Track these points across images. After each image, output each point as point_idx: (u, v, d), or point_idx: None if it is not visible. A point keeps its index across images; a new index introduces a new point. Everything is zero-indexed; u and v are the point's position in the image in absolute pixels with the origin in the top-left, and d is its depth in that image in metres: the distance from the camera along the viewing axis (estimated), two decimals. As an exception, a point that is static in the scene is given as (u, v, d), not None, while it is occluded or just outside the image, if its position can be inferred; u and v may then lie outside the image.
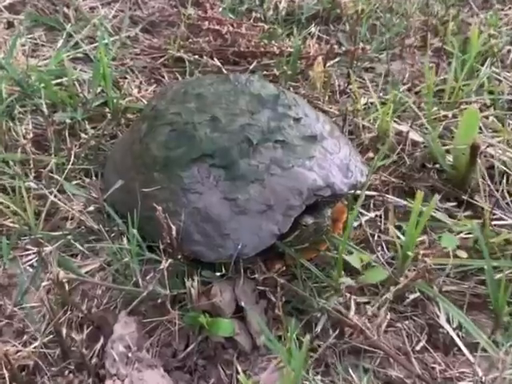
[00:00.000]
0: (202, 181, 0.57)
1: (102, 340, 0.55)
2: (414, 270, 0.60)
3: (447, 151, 0.76)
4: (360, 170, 0.61)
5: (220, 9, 1.05)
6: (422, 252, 0.59)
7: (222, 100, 0.63)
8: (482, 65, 0.94)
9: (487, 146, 0.74)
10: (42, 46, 0.96)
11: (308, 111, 0.64)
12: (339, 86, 0.89)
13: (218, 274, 0.56)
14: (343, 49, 0.93)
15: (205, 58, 0.92)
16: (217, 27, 0.94)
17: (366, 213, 0.70)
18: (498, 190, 0.72)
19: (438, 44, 1.03)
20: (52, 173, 0.71)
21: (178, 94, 0.66)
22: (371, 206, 0.72)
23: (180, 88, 0.68)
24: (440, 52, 0.99)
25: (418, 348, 0.57)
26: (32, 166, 0.72)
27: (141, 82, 0.90)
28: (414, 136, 0.78)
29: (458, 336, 0.57)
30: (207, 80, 0.68)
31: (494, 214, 0.70)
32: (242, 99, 0.63)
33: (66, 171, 0.71)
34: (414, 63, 0.98)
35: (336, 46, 0.93)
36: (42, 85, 0.83)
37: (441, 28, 1.06)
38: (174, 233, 0.56)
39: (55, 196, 0.67)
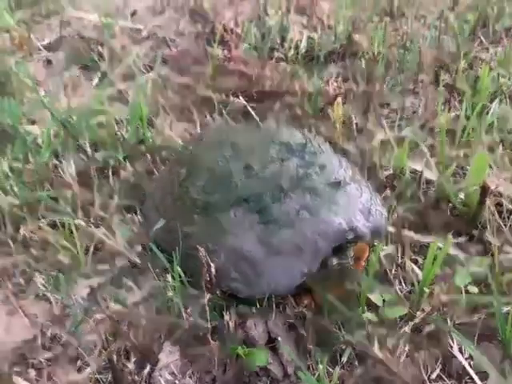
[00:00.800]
0: (238, 224, 0.64)
1: (148, 367, 0.61)
2: (430, 303, 0.66)
3: (460, 189, 0.83)
4: (380, 213, 0.67)
5: (244, 46, 1.12)
6: (436, 289, 0.65)
7: (255, 148, 0.70)
8: (492, 101, 1.01)
9: (496, 187, 0.80)
10: (80, 84, 1.04)
11: (332, 157, 0.70)
12: (357, 124, 0.95)
13: (253, 308, 0.63)
14: (360, 88, 0.99)
15: (231, 97, 0.99)
16: (242, 68, 1.00)
17: (384, 247, 0.76)
18: (506, 225, 0.78)
19: (450, 80, 1.09)
20: (97, 208, 0.78)
21: (214, 142, 0.73)
22: (389, 240, 0.78)
23: (215, 136, 0.75)
24: (451, 88, 1.05)
25: (433, 377, 0.62)
26: (78, 202, 0.79)
27: (172, 121, 0.96)
28: (428, 174, 0.85)
29: (470, 365, 0.63)
30: (240, 128, 0.75)
31: (503, 249, 0.76)
32: (273, 148, 0.69)
33: (109, 208, 0.78)
34: (426, 99, 1.04)
35: (354, 85, 0.99)
36: (84, 124, 0.90)
37: (452, 65, 1.12)
38: (213, 270, 0.62)
39: (102, 232, 0.74)
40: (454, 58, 1.15)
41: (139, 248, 0.72)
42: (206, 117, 0.98)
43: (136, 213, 0.80)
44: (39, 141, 0.84)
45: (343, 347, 0.62)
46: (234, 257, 0.63)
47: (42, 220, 0.76)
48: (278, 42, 1.12)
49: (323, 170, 0.67)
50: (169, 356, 0.62)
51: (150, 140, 0.89)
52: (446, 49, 1.19)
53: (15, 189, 0.78)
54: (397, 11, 1.33)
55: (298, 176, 0.66)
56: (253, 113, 0.97)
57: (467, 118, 0.94)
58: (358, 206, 0.65)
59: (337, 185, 0.66)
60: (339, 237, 0.62)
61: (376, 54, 1.06)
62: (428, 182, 0.85)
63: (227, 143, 0.71)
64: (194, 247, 0.63)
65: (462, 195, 0.82)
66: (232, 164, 0.68)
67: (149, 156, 0.87)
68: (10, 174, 0.81)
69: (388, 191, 0.81)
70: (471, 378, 0.62)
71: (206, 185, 0.68)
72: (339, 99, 0.90)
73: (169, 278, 0.65)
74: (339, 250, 0.63)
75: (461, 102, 1.01)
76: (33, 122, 0.90)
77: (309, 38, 1.18)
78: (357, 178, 0.71)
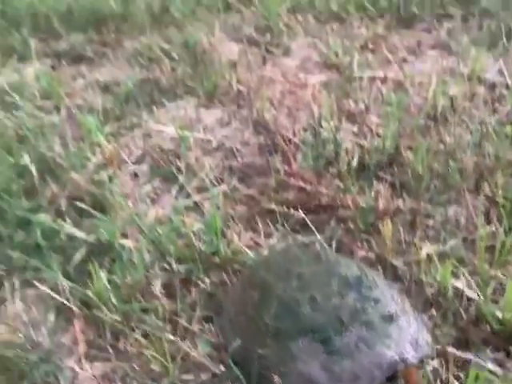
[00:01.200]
0: (305, 351, 0.76)
1: None
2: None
3: (498, 308, 0.93)
4: (426, 341, 0.79)
5: (301, 159, 1.26)
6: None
7: (318, 280, 0.83)
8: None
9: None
10: (162, 195, 1.20)
11: (385, 290, 0.83)
12: (405, 239, 1.07)
13: (318, 425, 0.75)
14: (407, 206, 1.12)
15: (291, 209, 1.13)
16: (301, 184, 1.15)
17: (430, 362, 0.87)
18: (541, 342, 0.88)
19: (489, 190, 1.19)
20: (182, 321, 0.92)
21: (282, 270, 0.87)
22: (434, 354, 0.88)
23: (283, 263, 0.89)
24: (492, 199, 1.16)
25: None
26: (166, 314, 0.93)
27: (240, 231, 1.11)
28: (469, 293, 0.95)
29: None
30: (304, 257, 0.89)
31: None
32: (334, 281, 0.82)
33: (192, 319, 0.92)
34: (468, 210, 1.15)
35: (401, 202, 1.12)
36: (167, 237, 1.05)
37: (491, 176, 1.23)
38: (284, 391, 0.75)
39: (187, 345, 0.88)
40: (494, 167, 1.26)
41: (218, 361, 0.86)
42: (269, 227, 1.13)
43: (213, 322, 0.94)
44: (133, 256, 0.99)
45: None
46: (301, 380, 0.75)
47: (136, 330, 0.91)
48: (333, 155, 1.26)
49: (377, 303, 0.80)
50: None
51: (223, 252, 1.03)
52: (487, 156, 1.29)
53: (114, 301, 0.94)
54: (440, 116, 1.45)
55: (355, 309, 0.78)
56: (311, 225, 1.10)
57: (506, 233, 1.05)
58: (407, 338, 0.77)
59: (389, 318, 0.78)
60: (392, 367, 0.74)
61: (421, 171, 1.18)
62: (469, 299, 0.96)
63: (294, 274, 0.85)
64: (268, 367, 0.76)
65: (499, 314, 0.92)
66: (299, 294, 0.81)
67: (219, 264, 1.02)
68: (108, 286, 0.96)
69: (433, 309, 0.92)
70: None
71: (276, 312, 0.81)
72: (388, 220, 1.03)
73: (246, 395, 0.78)
74: (391, 376, 0.75)
75: (500, 215, 1.11)
76: (125, 236, 1.07)
77: (359, 145, 1.31)
78: (406, 308, 0.82)
